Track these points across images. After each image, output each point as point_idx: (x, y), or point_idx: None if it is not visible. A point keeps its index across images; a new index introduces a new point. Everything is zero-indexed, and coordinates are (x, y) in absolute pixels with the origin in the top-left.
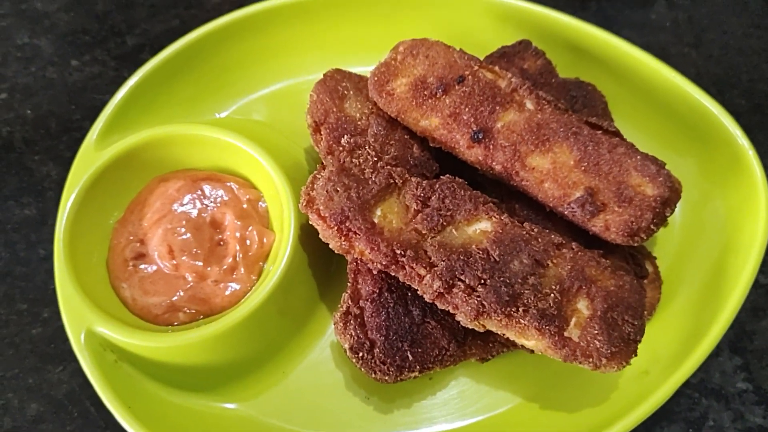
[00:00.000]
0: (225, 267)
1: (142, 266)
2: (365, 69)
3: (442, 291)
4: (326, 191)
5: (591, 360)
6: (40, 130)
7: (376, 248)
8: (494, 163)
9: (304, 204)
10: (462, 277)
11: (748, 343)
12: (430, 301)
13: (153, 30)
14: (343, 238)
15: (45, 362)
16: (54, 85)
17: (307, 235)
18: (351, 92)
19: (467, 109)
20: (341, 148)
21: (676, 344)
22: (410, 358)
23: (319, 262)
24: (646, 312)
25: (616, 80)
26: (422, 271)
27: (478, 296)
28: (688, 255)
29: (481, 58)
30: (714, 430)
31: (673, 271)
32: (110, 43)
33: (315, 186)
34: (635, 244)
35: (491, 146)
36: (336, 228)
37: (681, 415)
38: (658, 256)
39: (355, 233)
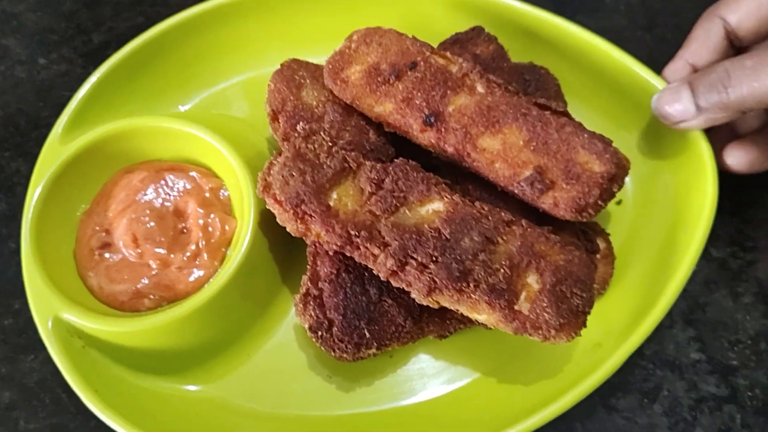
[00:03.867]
0: (188, 254)
1: (107, 255)
2: (325, 59)
3: (395, 269)
4: (282, 176)
5: (540, 332)
6: (10, 127)
7: (331, 230)
8: (446, 146)
9: (261, 189)
10: (414, 256)
11: (701, 314)
12: (385, 280)
13: (118, 27)
14: (299, 221)
15: (17, 352)
16: (22, 84)
17: (267, 221)
18: (308, 81)
19: (419, 94)
20: (296, 134)
21: (628, 317)
22: (367, 335)
23: (281, 246)
24: (598, 286)
25: (568, 63)
26: (376, 251)
27: (430, 273)
28: (639, 230)
29: (436, 45)
30: (668, 400)
31: (626, 246)
32: (77, 41)
33: (271, 171)
34: (584, 220)
35: (443, 129)
36: (292, 211)
37: (636, 386)
38: (613, 232)
39: (311, 216)
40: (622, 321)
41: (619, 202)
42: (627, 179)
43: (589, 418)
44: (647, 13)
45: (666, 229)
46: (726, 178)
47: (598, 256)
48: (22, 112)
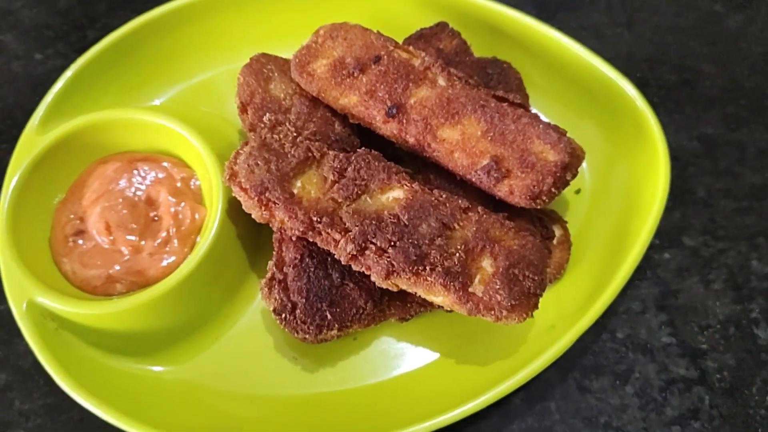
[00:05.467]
0: (159, 241)
1: (81, 242)
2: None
3: (355, 253)
4: (247, 165)
5: (493, 312)
6: (7, 120)
7: (294, 216)
8: (408, 136)
9: (228, 177)
10: (374, 240)
11: (673, 300)
12: (345, 264)
13: (112, 24)
14: (263, 208)
15: (12, 336)
16: (19, 78)
17: (236, 209)
18: (276, 74)
19: (382, 87)
20: (263, 125)
21: (581, 301)
22: (329, 317)
23: (249, 233)
24: (554, 272)
25: (531, 57)
26: (337, 236)
27: (389, 257)
28: (595, 218)
29: (401, 41)
30: (640, 382)
31: (582, 233)
32: (72, 37)
33: (237, 160)
34: (538, 207)
35: (404, 120)
36: (256, 198)
37: (609, 368)
38: (570, 220)
39: (275, 203)
40: (576, 304)
41: (577, 191)
42: (585, 169)
43: (564, 398)
44: (627, 10)
45: (620, 216)
46: (699, 169)
47: (554, 242)
48: (19, 106)
